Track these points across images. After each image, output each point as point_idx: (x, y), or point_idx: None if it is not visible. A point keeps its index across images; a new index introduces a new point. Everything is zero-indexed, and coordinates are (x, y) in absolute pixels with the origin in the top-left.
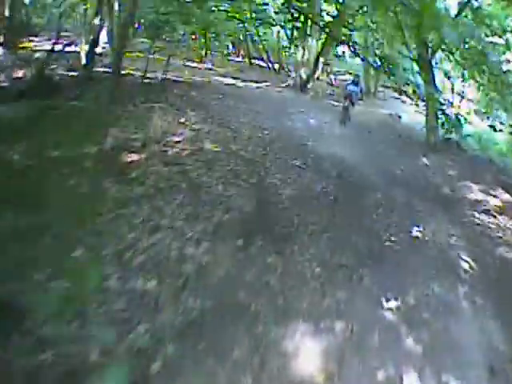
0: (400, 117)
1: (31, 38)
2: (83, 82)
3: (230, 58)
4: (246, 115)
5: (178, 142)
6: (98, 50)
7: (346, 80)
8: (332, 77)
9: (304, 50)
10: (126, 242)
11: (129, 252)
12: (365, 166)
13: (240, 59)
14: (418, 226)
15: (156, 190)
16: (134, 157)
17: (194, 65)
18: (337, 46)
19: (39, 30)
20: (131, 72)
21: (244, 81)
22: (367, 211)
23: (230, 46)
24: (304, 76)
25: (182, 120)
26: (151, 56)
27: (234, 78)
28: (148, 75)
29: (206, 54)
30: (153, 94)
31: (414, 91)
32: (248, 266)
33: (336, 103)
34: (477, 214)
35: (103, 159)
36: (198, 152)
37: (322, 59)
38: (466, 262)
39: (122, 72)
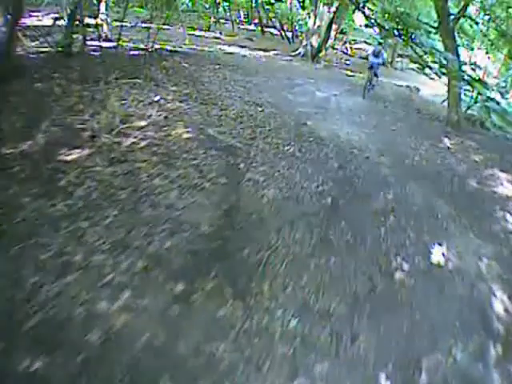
0: (418, 89)
1: (33, 14)
2: (58, 60)
3: (241, 26)
4: (241, 88)
5: (141, 128)
6: (97, 21)
7: (361, 49)
8: (348, 46)
9: (315, 18)
10: (25, 290)
11: (20, 311)
12: (376, 152)
13: (253, 27)
14: (440, 244)
15: (84, 204)
16: (74, 154)
17: (201, 33)
18: (353, 12)
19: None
20: (124, 44)
21: (251, 49)
22: (374, 221)
23: (242, 15)
24: (315, 44)
25: (157, 98)
26: (144, 25)
27: (241, 47)
28: (142, 46)
29: (216, 22)
30: (136, 67)
31: (439, 64)
32: (186, 328)
33: (350, 73)
34: (510, 218)
35: (31, 160)
36: (162, 141)
37: (334, 27)
38: (503, 308)
39: (112, 44)
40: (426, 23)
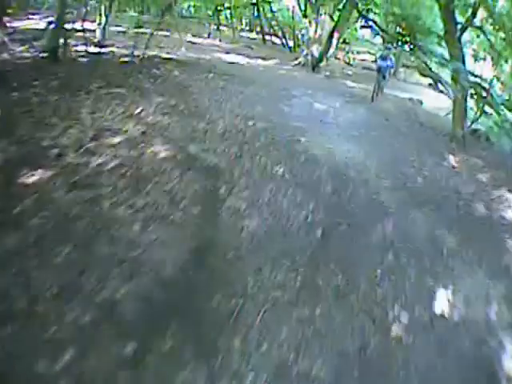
0: (421, 102)
1: (32, 16)
2: (42, 66)
3: (243, 34)
4: (233, 99)
5: (113, 145)
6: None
7: (364, 60)
8: (350, 56)
9: (317, 26)
10: None
11: None
12: (375, 174)
13: (254, 36)
14: (445, 288)
15: (36, 238)
16: (36, 176)
17: (201, 40)
18: (355, 21)
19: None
20: (115, 50)
21: (249, 58)
22: (369, 260)
23: (244, 22)
24: (316, 53)
25: (138, 110)
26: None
27: (239, 55)
28: (135, 52)
29: (217, 29)
30: (123, 75)
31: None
32: None
33: (352, 84)
34: None
35: None
36: (134, 162)
37: (336, 35)
38: None
39: (103, 50)
40: (433, 32)
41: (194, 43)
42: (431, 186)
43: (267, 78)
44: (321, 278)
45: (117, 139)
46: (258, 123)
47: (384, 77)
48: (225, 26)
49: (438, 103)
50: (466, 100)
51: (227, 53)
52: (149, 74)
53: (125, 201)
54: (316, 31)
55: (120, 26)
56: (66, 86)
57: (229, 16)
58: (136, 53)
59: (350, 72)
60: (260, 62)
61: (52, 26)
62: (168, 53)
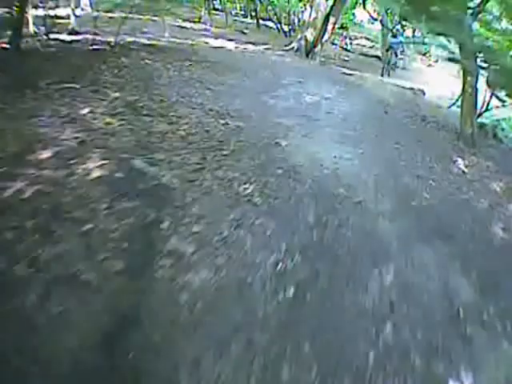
0: (424, 92)
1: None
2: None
3: (237, 18)
4: (208, 92)
5: (39, 163)
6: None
7: (361, 45)
8: (348, 41)
9: (311, 9)
10: None
11: None
12: (372, 190)
13: (249, 20)
14: (460, 380)
15: None
16: None
17: (191, 25)
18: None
19: None
20: (89, 37)
21: (239, 43)
22: (358, 337)
23: (239, 7)
24: (310, 38)
25: (85, 111)
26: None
27: (229, 40)
28: (111, 39)
29: (209, 13)
30: (83, 67)
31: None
32: None
33: (348, 71)
34: None
35: None
36: (56, 187)
37: (332, 20)
38: None
39: (77, 38)
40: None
41: (183, 28)
42: (441, 203)
43: (255, 65)
44: (286, 373)
45: (46, 154)
46: (232, 121)
47: (396, 54)
48: (219, 10)
49: (439, 91)
50: (476, 90)
51: (216, 38)
52: (115, 63)
53: (25, 255)
54: (310, 15)
55: (108, 11)
56: (13, 83)
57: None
58: (111, 39)
59: (346, 58)
60: (250, 47)
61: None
62: (149, 38)
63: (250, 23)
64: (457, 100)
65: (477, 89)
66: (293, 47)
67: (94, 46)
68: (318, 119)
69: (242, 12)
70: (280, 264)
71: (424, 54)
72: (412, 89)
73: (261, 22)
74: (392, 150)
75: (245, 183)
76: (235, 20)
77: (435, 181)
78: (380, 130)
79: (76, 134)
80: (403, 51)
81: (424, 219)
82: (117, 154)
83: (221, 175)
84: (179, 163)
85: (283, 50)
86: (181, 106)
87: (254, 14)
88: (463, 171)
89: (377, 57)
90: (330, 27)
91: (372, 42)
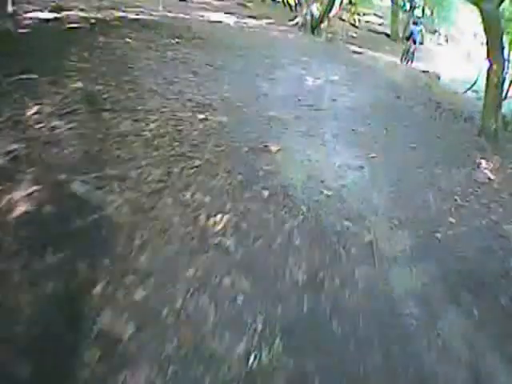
0: (439, 77)
1: None
2: None
3: None
4: (190, 76)
5: None
6: None
7: (370, 22)
8: (356, 17)
9: None
10: None
11: None
12: (385, 218)
13: None
14: None
15: None
16: None
17: None
18: None
19: None
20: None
21: (240, 17)
22: None
23: None
24: (316, 13)
25: (32, 111)
26: None
27: (228, 13)
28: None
29: None
30: (51, 50)
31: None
32: None
33: (357, 49)
34: None
35: None
36: None
37: None
38: None
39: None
40: None
41: (182, 0)
42: (469, 232)
43: (253, 42)
44: None
45: None
46: (213, 116)
47: (415, 41)
48: None
49: (453, 74)
50: (502, 81)
51: (215, 11)
52: (89, 44)
53: None
54: None
55: None
56: None
57: None
58: (95, 15)
59: (354, 34)
60: (251, 21)
61: None
62: (139, 13)
63: None
64: (472, 85)
65: (504, 79)
66: (297, 22)
67: (73, 25)
68: (320, 109)
69: None
70: (251, 359)
71: (433, 33)
72: (426, 72)
73: None
74: (407, 152)
75: (216, 213)
76: None
77: (460, 195)
78: (392, 122)
79: (11, 145)
80: (421, 42)
81: (451, 263)
82: (55, 174)
83: (186, 200)
84: (135, 182)
85: (287, 26)
86: (154, 96)
87: None
88: (489, 178)
89: (386, 34)
90: (337, 2)
91: (381, 18)
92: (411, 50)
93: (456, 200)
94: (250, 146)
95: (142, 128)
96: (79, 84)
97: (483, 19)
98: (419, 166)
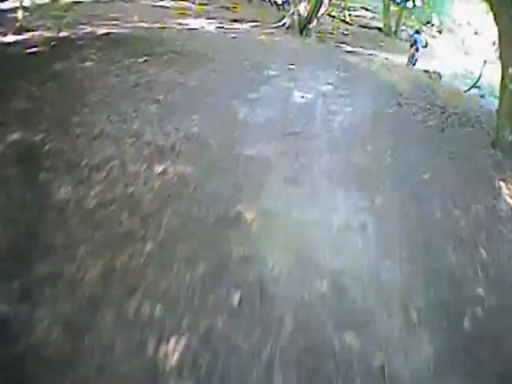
0: (440, 76)
1: None
2: None
3: None
4: (153, 108)
5: None
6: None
7: (361, 16)
8: (347, 13)
9: None
10: None
11: None
12: (396, 309)
13: None
14: None
15: None
16: None
17: (170, 3)
18: None
19: None
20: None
21: (223, 21)
22: None
23: None
24: (304, 12)
25: None
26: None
27: (210, 19)
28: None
29: None
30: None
31: None
32: None
33: (349, 48)
34: None
35: None
36: None
37: None
38: None
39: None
40: None
41: (161, 7)
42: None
43: (235, 51)
44: None
45: None
46: (175, 166)
47: (418, 49)
48: None
49: (453, 69)
50: None
51: (196, 18)
52: (44, 74)
53: None
54: None
55: None
56: None
57: None
58: (60, 35)
59: (345, 32)
60: (235, 26)
61: None
62: (111, 27)
63: None
64: (475, 83)
65: None
66: (284, 23)
67: (32, 49)
68: (311, 137)
69: None
70: None
71: (426, 24)
72: (427, 72)
73: None
74: (418, 187)
75: (169, 338)
76: None
77: (486, 248)
78: (397, 142)
79: None
80: (425, 46)
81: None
82: None
83: (130, 317)
84: (69, 284)
85: (274, 28)
86: (104, 141)
87: None
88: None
89: (378, 28)
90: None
91: (372, 12)
92: (416, 56)
93: (482, 257)
94: (219, 213)
95: (84, 194)
96: (16, 135)
97: (495, 17)
98: (437, 209)
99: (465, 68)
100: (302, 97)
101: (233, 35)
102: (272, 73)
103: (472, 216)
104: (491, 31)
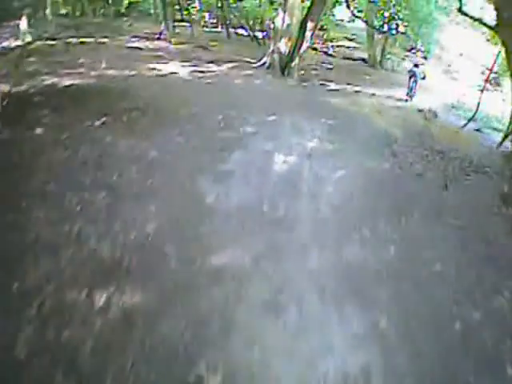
0: (436, 114)
1: None
2: None
3: (206, 29)
4: (99, 199)
5: None
6: None
7: (344, 46)
8: (329, 44)
9: (284, 14)
10: None
11: None
12: None
13: (220, 29)
14: None
15: None
16: None
17: (145, 44)
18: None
19: None
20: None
21: (199, 63)
22: None
23: (206, 16)
24: (285, 50)
25: None
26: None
27: (185, 62)
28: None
29: (173, 26)
30: None
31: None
32: None
33: (336, 86)
34: None
35: None
36: None
37: (310, 25)
38: None
39: None
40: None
41: (136, 48)
42: None
43: (208, 102)
44: None
45: None
46: (119, 297)
47: (416, 82)
48: (186, 21)
49: (443, 100)
50: None
51: (169, 60)
52: None
53: None
54: (284, 20)
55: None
56: None
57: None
58: (16, 89)
59: (329, 66)
60: (210, 68)
61: None
62: (75, 77)
63: (220, 32)
64: (471, 118)
65: None
66: (264, 62)
67: None
68: (295, 226)
69: (212, 20)
70: None
71: (410, 50)
72: (421, 111)
73: (233, 30)
74: (430, 293)
75: None
76: (205, 31)
77: None
78: (397, 218)
79: None
80: (424, 77)
81: None
82: None
83: None
84: None
85: (253, 67)
86: (38, 256)
87: (225, 22)
88: None
89: (363, 59)
90: (308, 34)
91: (353, 41)
92: (414, 90)
93: None
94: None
95: None
96: None
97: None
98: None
99: (457, 98)
100: (284, 161)
101: (208, 80)
102: (249, 130)
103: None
104: (477, 53)
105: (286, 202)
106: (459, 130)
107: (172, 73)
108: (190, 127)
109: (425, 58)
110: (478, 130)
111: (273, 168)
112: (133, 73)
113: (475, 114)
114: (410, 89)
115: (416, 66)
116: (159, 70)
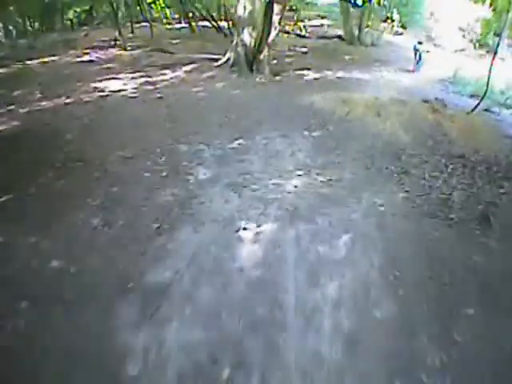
0: (445, 104)
1: None
2: None
3: (168, 27)
4: None
5: None
6: None
7: (317, 26)
8: (302, 25)
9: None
10: None
11: None
12: None
13: (184, 25)
14: None
15: None
16: None
17: (97, 55)
18: None
19: None
20: None
21: (149, 74)
22: None
23: (168, 12)
24: (250, 42)
25: None
26: None
27: (136, 73)
28: None
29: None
30: None
31: None
32: None
33: (315, 74)
34: None
35: None
36: None
37: (277, 8)
38: None
39: None
40: None
41: (86, 62)
42: None
43: (151, 131)
44: None
45: None
46: None
47: (420, 57)
48: (146, 21)
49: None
50: None
51: (117, 72)
52: None
53: None
54: (245, 8)
55: None
56: None
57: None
58: None
59: (304, 49)
60: (166, 76)
61: None
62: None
63: (184, 28)
64: (481, 100)
65: None
66: (227, 59)
67: None
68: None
69: (175, 16)
70: None
71: (385, 21)
72: (427, 102)
73: (197, 24)
74: None
75: None
76: (168, 28)
77: None
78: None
79: None
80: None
81: None
82: None
83: None
84: None
85: (215, 67)
86: None
87: (187, 16)
88: None
89: (339, 37)
90: (276, 18)
91: (331, 20)
92: (420, 63)
93: None
94: None
95: None
96: None
97: None
98: None
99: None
100: (255, 240)
101: (158, 95)
102: (203, 175)
103: None
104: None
105: (262, 343)
106: (471, 117)
107: (117, 91)
108: (115, 190)
109: (403, 27)
110: (486, 109)
111: (235, 263)
112: (69, 100)
113: (484, 95)
114: (417, 63)
115: (420, 43)
116: (102, 90)
